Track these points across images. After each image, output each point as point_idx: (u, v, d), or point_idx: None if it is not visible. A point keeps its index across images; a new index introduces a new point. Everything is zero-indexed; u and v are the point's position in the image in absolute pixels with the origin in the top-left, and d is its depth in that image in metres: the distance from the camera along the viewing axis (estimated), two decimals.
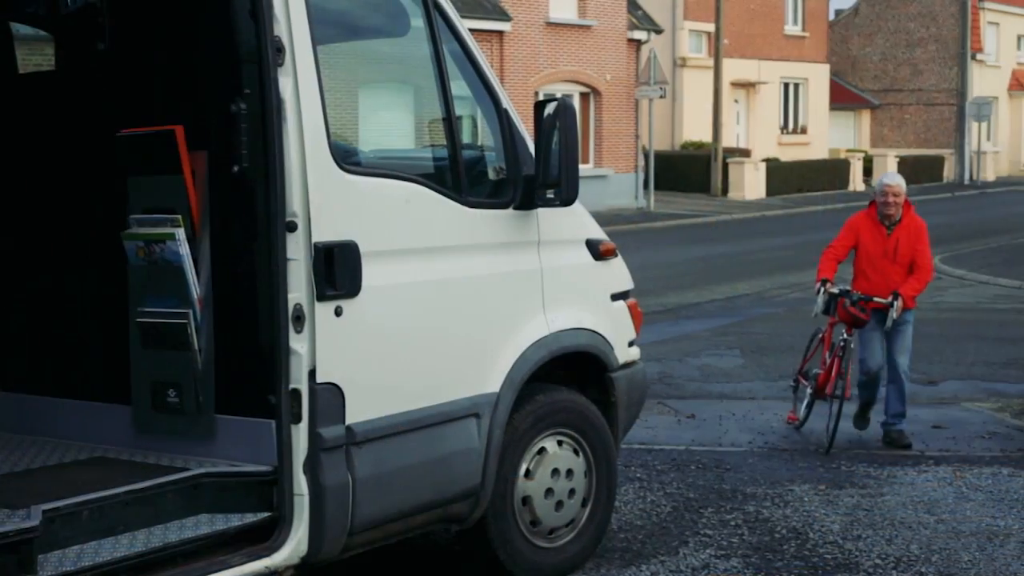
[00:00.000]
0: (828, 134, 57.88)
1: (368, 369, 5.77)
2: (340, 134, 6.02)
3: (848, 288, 10.61)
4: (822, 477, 9.20)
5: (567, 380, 7.03)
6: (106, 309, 6.40)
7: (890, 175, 11.06)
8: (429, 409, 6.08)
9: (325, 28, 5.75)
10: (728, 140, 48.52)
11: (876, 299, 10.42)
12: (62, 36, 7.15)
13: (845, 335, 10.63)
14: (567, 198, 6.47)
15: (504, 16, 36.07)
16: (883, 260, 10.58)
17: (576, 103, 35.97)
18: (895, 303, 10.35)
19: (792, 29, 55.40)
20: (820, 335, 11.19)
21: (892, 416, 10.69)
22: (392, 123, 10.24)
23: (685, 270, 24.16)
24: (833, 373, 10.69)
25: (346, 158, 5.80)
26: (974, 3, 62.23)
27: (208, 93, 5.99)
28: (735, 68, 50.23)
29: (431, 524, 6.39)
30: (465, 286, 6.29)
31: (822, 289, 10.60)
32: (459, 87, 6.44)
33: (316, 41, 5.57)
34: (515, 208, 6.53)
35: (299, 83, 5.47)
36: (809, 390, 11.04)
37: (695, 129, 49.26)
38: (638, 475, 9.25)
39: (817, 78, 56.55)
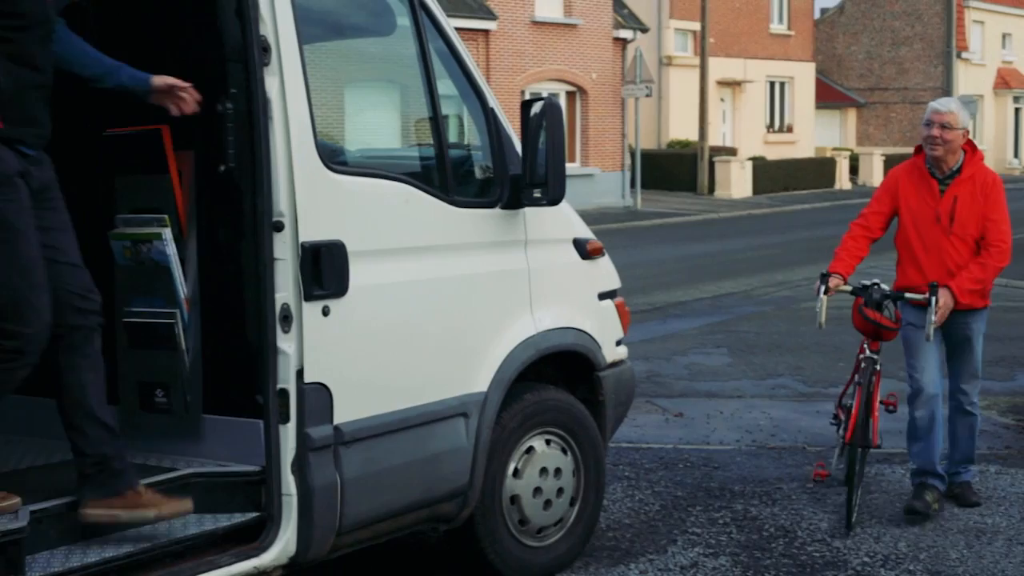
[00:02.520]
0: (814, 133, 58.00)
1: (356, 369, 5.77)
2: (327, 133, 6.01)
3: (870, 283, 8.11)
4: (810, 475, 9.20)
5: (555, 379, 7.03)
6: None
7: (943, 100, 8.10)
8: (417, 409, 6.08)
9: (311, 27, 5.74)
10: (714, 139, 48.59)
11: (910, 295, 7.99)
12: None
13: (869, 351, 8.19)
14: (554, 197, 6.46)
15: (490, 15, 36.07)
16: (934, 230, 7.97)
17: (562, 102, 36.02)
18: (934, 300, 7.74)
19: (778, 28, 55.48)
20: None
21: (957, 463, 8.51)
22: (379, 122, 10.21)
23: (672, 269, 24.17)
24: (855, 410, 8.05)
25: (333, 157, 5.79)
26: (959, 2, 62.41)
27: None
28: (721, 67, 50.32)
29: (420, 524, 6.39)
30: (452, 286, 6.28)
31: (822, 288, 8.10)
32: (445, 86, 6.44)
33: (302, 40, 5.56)
34: (502, 207, 6.53)
35: (285, 82, 5.46)
36: (841, 431, 8.72)
37: (681, 128, 49.32)
38: (626, 474, 9.25)
39: (803, 77, 56.64)
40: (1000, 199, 8.04)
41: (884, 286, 8.12)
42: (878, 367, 8.21)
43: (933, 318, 7.74)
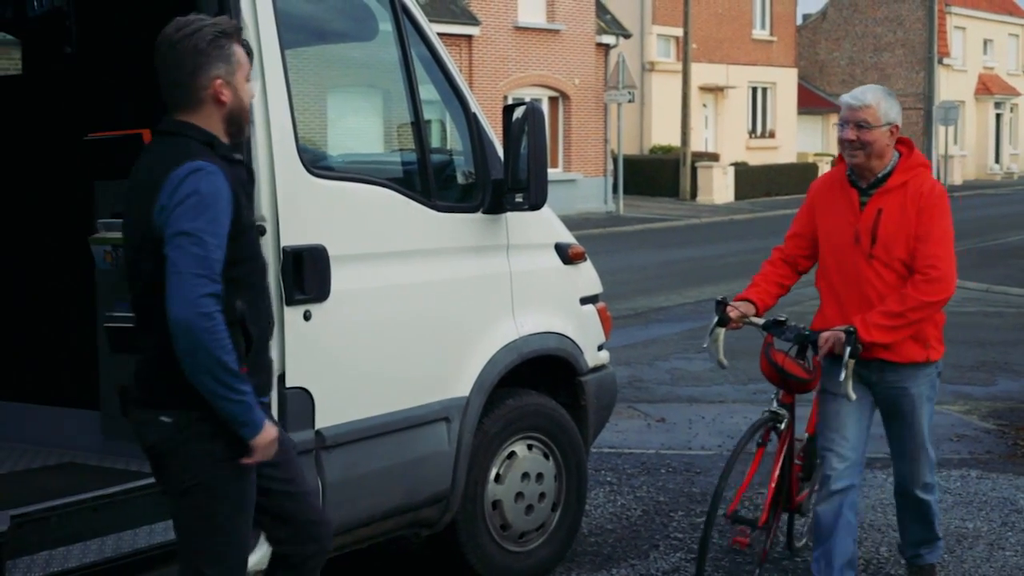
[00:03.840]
0: (796, 138, 58.09)
1: (337, 373, 5.76)
2: (308, 138, 6.01)
3: (784, 318, 6.50)
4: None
5: (537, 384, 7.04)
6: (74, 314, 6.38)
7: (858, 91, 6.25)
8: (399, 413, 6.07)
9: (293, 32, 5.74)
10: (696, 144, 48.63)
11: (824, 332, 6.17)
12: (29, 40, 7.13)
13: (776, 406, 6.60)
14: (536, 202, 6.47)
15: (473, 20, 36.08)
16: (853, 254, 6.22)
17: (545, 107, 36.09)
18: (849, 344, 6.02)
19: (760, 33, 55.57)
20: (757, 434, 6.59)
21: (912, 544, 6.94)
22: (361, 127, 10.21)
23: (654, 274, 24.18)
24: (768, 495, 6.64)
25: (314, 162, 5.78)
26: (941, 8, 62.56)
27: None
28: (703, 72, 50.35)
29: (401, 528, 6.38)
30: (434, 290, 6.28)
31: (716, 318, 6.48)
32: (428, 91, 6.44)
33: (284, 45, 5.55)
34: (484, 212, 6.53)
35: (267, 87, 5.45)
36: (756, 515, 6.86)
37: (664, 133, 49.38)
38: (608, 479, 9.25)
39: (785, 82, 56.72)
40: (938, 214, 6.12)
41: (802, 325, 6.49)
42: (782, 425, 6.59)
43: (846, 371, 6.06)
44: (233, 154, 4.48)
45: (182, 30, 4.39)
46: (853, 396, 6.11)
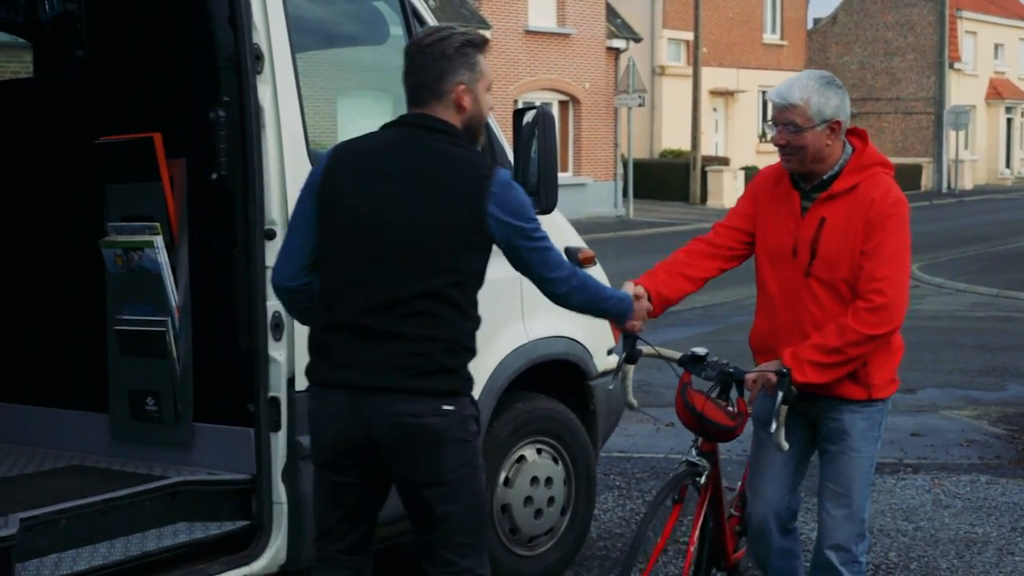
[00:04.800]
0: None
1: None
2: (319, 142, 6.01)
3: (704, 352, 5.55)
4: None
5: (546, 388, 7.03)
6: (84, 317, 6.39)
7: (787, 83, 5.18)
8: None
9: (304, 36, 5.75)
10: (707, 148, 48.62)
11: (751, 372, 5.30)
12: (40, 43, 7.14)
13: (694, 455, 5.63)
14: (546, 206, 6.44)
15: (483, 24, 36.08)
16: (789, 269, 5.28)
17: (555, 111, 36.08)
18: (781, 389, 5.07)
19: (770, 38, 55.56)
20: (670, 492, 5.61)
21: None
22: (371, 131, 10.23)
23: None
24: (687, 560, 5.72)
25: None
26: (952, 12, 62.51)
27: (187, 100, 5.98)
28: (714, 76, 50.34)
29: (410, 532, 6.37)
30: None
31: (622, 353, 5.50)
32: None
33: (295, 49, 5.56)
34: None
35: (278, 91, 5.45)
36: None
37: (674, 137, 49.36)
38: (617, 483, 9.25)
39: None
40: (892, 227, 5.05)
41: (726, 361, 5.55)
42: (702, 478, 5.62)
43: (779, 414, 5.13)
44: None
45: (432, 35, 4.58)
46: (785, 446, 5.21)
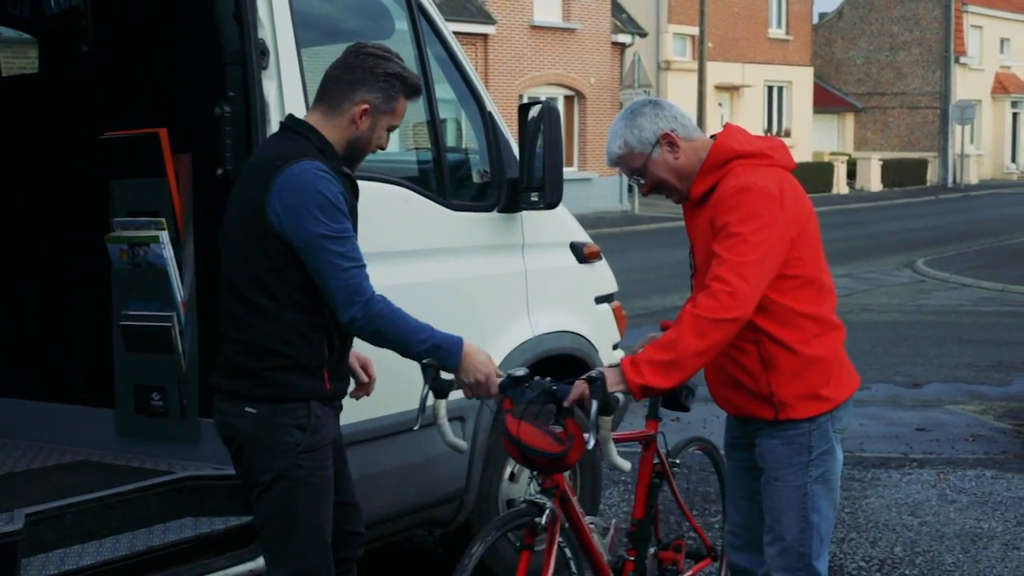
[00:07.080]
0: (812, 137, 58.02)
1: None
2: None
3: (523, 373, 4.82)
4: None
5: None
6: (90, 312, 6.39)
7: (610, 133, 4.93)
8: (413, 412, 6.05)
9: (309, 31, 5.74)
10: None
11: (573, 382, 4.67)
12: (45, 39, 7.14)
13: (535, 491, 5.02)
14: (551, 201, 6.46)
15: (488, 19, 36.09)
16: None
17: (560, 106, 36.06)
18: (595, 397, 4.53)
19: (776, 32, 55.53)
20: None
21: None
22: None
23: (669, 273, 24.13)
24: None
25: None
26: (957, 6, 62.46)
27: (192, 96, 5.98)
28: (719, 71, 50.32)
29: (415, 527, 6.39)
30: (449, 289, 6.27)
31: (426, 388, 4.78)
32: (443, 90, 6.44)
33: (300, 44, 5.55)
34: (499, 211, 6.52)
35: (283, 86, 5.46)
36: None
37: None
38: (623, 478, 9.24)
39: (801, 81, 56.66)
40: (738, 217, 4.58)
41: (549, 379, 4.82)
42: (542, 518, 4.81)
43: (591, 437, 4.56)
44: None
45: (380, 51, 4.60)
46: (626, 466, 4.74)
